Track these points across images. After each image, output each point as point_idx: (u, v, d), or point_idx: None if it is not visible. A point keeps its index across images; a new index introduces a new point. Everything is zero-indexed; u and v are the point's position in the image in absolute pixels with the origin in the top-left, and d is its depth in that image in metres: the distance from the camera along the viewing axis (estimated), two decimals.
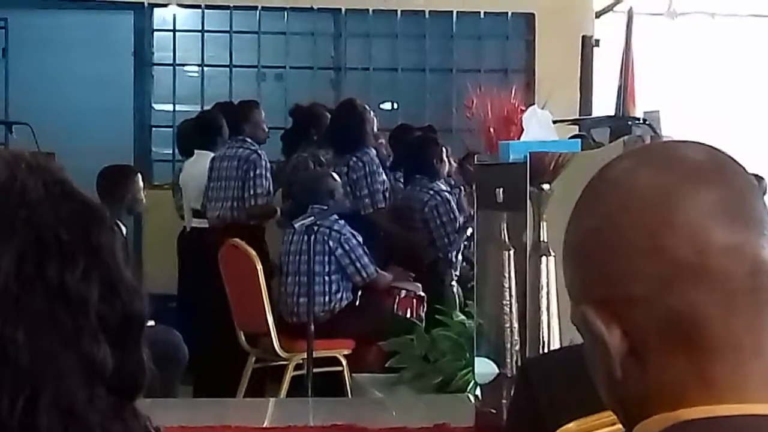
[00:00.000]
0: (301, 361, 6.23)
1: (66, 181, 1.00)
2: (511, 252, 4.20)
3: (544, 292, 4.04)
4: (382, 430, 4.93)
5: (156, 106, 9.49)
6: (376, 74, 9.56)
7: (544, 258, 4.04)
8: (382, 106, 9.50)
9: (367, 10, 9.48)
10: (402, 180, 7.50)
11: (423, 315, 6.67)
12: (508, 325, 4.21)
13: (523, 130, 4.47)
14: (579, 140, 4.58)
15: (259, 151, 7.14)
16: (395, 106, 9.76)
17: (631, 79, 6.01)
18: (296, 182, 7.14)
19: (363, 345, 6.46)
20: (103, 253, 0.96)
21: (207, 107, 8.58)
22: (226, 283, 6.61)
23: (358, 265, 6.55)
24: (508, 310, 4.20)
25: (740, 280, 1.08)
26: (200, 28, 9.44)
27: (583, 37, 9.60)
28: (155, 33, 9.48)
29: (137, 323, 0.99)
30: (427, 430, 4.87)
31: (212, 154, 7.35)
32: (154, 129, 9.45)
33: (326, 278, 6.53)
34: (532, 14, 9.60)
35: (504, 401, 4.19)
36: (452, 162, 7.64)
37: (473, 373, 4.80)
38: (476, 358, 4.59)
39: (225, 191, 7.11)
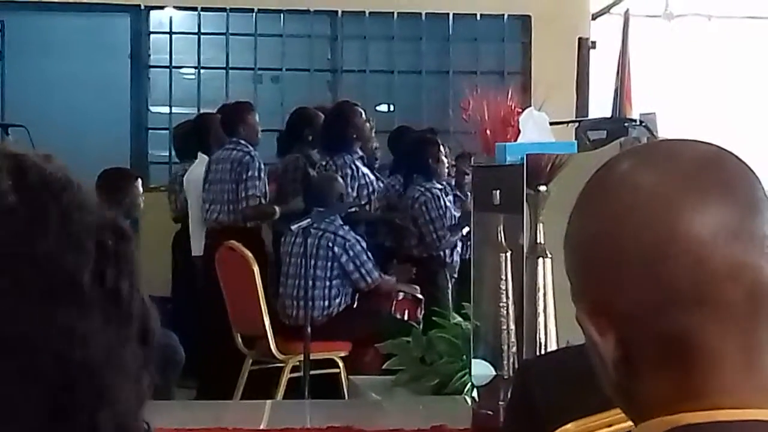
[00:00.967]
0: (297, 363, 6.23)
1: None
2: (508, 254, 4.20)
3: (541, 294, 4.03)
4: None
5: (152, 109, 9.49)
6: (372, 76, 9.57)
7: (540, 260, 4.03)
8: (378, 108, 9.50)
9: (364, 12, 9.48)
10: (402, 181, 7.48)
11: (421, 317, 6.67)
12: (505, 327, 4.20)
13: (519, 132, 4.47)
14: (575, 142, 4.58)
15: (252, 153, 7.13)
16: (392, 108, 9.76)
17: (628, 80, 6.02)
18: (294, 184, 7.15)
19: (360, 347, 6.46)
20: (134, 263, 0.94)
21: (203, 109, 8.58)
22: (222, 285, 6.61)
23: (363, 271, 6.56)
24: (505, 312, 4.20)
25: (738, 305, 1.07)
26: (197, 31, 9.45)
27: (579, 39, 9.61)
28: (152, 35, 9.49)
29: (152, 337, 0.98)
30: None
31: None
32: (150, 131, 9.45)
33: (327, 283, 6.54)
34: (529, 16, 9.61)
35: (501, 403, 4.18)
36: (451, 162, 7.63)
37: (470, 375, 4.80)
38: (473, 360, 4.59)
39: (219, 194, 7.11)
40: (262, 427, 5.36)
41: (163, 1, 9.46)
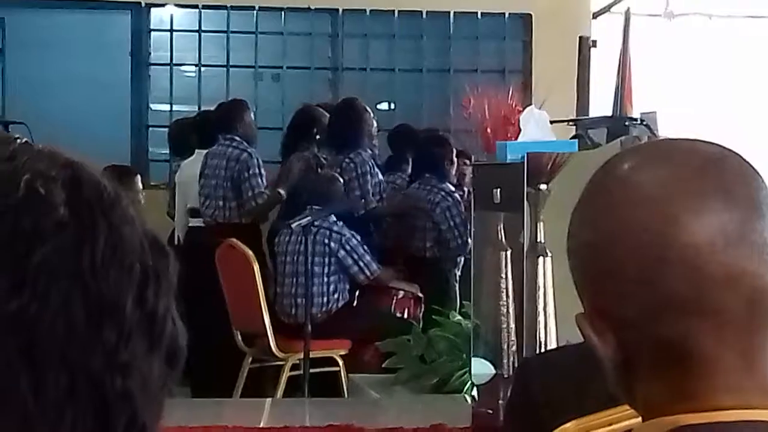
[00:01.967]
0: (297, 362, 6.23)
1: None
2: (508, 252, 4.20)
3: (541, 293, 4.03)
4: (379, 430, 4.93)
5: (153, 106, 9.49)
6: (373, 74, 9.56)
7: (541, 258, 4.04)
8: (379, 106, 9.49)
9: (365, 10, 9.48)
10: (405, 177, 7.46)
11: (420, 316, 6.67)
12: (504, 325, 4.20)
13: (520, 130, 4.47)
14: (576, 141, 4.58)
15: (249, 150, 7.12)
16: (392, 106, 9.75)
17: (628, 79, 6.01)
18: (298, 183, 7.14)
19: (360, 345, 6.45)
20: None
21: (204, 107, 8.57)
22: (223, 282, 6.61)
23: (361, 264, 6.55)
24: (504, 310, 4.20)
25: (736, 312, 1.05)
26: (197, 28, 9.44)
27: (580, 37, 9.61)
28: (152, 33, 9.48)
29: (180, 357, 0.97)
30: (424, 430, 4.87)
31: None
32: (150, 129, 9.44)
33: (324, 279, 6.53)
34: (530, 15, 9.60)
35: (501, 402, 4.18)
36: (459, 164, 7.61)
37: (470, 373, 4.80)
38: (473, 359, 4.59)
39: (216, 189, 7.09)
40: (261, 425, 5.36)
41: None
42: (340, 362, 6.40)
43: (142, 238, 0.85)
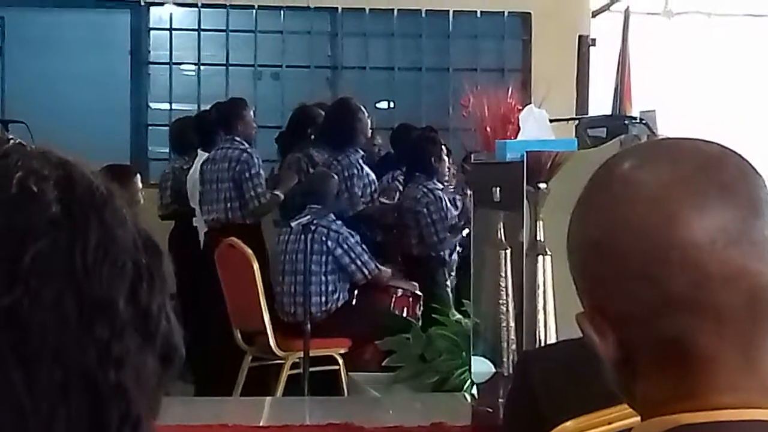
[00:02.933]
0: (297, 360, 6.23)
1: None
2: (508, 251, 4.20)
3: (540, 292, 4.04)
4: (379, 429, 4.92)
5: (153, 105, 9.50)
6: (372, 73, 9.57)
7: (540, 257, 4.04)
8: (378, 105, 9.50)
9: (364, 9, 9.48)
10: (402, 178, 7.50)
11: (419, 314, 6.68)
12: (504, 324, 4.20)
13: (519, 129, 4.47)
14: (575, 139, 4.59)
15: (249, 150, 7.12)
16: (392, 105, 9.76)
17: (628, 78, 6.02)
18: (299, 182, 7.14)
19: (359, 344, 6.45)
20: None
21: (204, 106, 8.57)
22: (222, 281, 6.61)
23: (359, 262, 6.56)
24: (504, 309, 4.20)
25: (737, 311, 1.06)
26: (197, 27, 9.44)
27: (579, 36, 9.61)
28: (152, 31, 9.49)
29: (175, 354, 0.97)
30: (424, 429, 4.87)
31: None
32: (150, 127, 9.45)
33: (323, 278, 6.53)
34: (529, 13, 9.61)
35: (500, 400, 4.18)
36: (452, 161, 7.64)
37: (470, 372, 4.80)
38: (473, 357, 4.59)
39: (218, 193, 7.09)
40: (261, 423, 5.36)
41: None
42: (340, 361, 6.40)
43: (135, 236, 0.86)
